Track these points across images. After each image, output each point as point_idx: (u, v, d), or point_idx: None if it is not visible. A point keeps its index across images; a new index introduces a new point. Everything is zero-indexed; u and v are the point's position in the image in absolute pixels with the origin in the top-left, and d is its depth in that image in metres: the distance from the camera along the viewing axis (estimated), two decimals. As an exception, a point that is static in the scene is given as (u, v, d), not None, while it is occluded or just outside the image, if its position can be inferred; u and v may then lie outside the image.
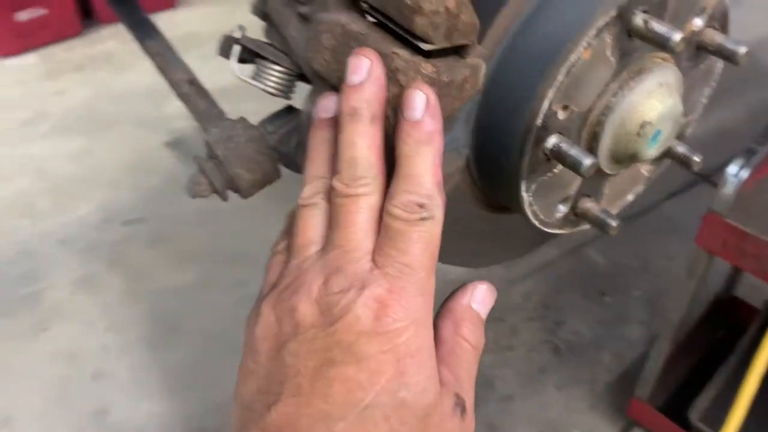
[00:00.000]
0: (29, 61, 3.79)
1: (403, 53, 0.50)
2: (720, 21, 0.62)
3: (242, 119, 0.79)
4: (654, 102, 0.58)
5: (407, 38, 0.50)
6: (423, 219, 0.48)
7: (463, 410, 0.50)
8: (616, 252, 2.98)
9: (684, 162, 0.67)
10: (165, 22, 4.48)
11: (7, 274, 2.77)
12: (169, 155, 3.26)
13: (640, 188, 0.72)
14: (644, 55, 0.59)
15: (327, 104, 0.54)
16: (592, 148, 0.60)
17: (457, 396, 0.50)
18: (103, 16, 3.87)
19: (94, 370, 2.47)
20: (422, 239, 0.48)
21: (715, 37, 0.61)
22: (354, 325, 0.45)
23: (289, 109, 0.77)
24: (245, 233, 2.80)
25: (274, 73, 0.69)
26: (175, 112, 3.37)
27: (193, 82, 0.84)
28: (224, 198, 0.80)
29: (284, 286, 0.49)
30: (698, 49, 0.63)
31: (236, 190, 0.79)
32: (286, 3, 0.62)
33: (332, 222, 0.50)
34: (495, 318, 2.70)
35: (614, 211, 0.70)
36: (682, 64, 0.63)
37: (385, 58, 0.51)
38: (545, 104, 0.55)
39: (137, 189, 3.13)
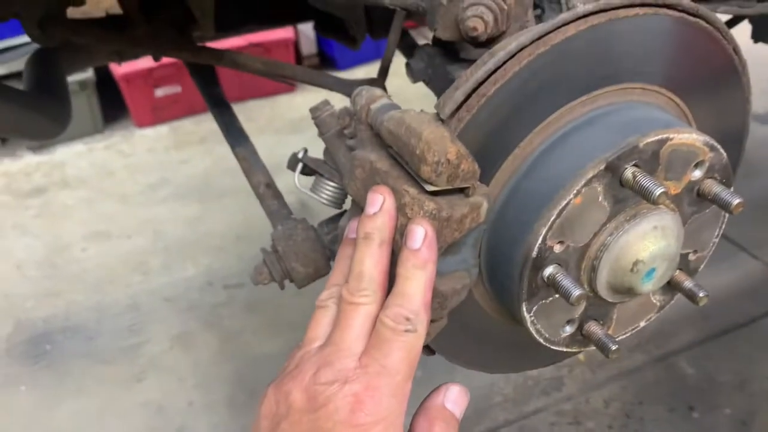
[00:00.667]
0: (161, 131, 4.20)
1: (412, 191, 0.60)
2: (720, 172, 0.68)
3: (303, 220, 0.92)
4: (646, 243, 0.65)
5: (416, 178, 0.60)
6: (407, 331, 0.57)
7: None
8: (709, 365, 2.85)
9: (690, 296, 0.72)
10: (284, 104, 4.81)
11: (115, 324, 3.01)
12: (272, 228, 3.48)
13: (652, 316, 0.77)
14: (640, 201, 0.66)
15: (353, 226, 0.65)
16: (590, 279, 0.67)
17: None
18: (229, 95, 4.23)
19: (179, 424, 2.62)
20: (404, 348, 0.57)
21: (713, 187, 0.67)
22: (333, 415, 0.54)
23: (342, 215, 0.89)
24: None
25: (328, 188, 0.81)
26: (283, 187, 3.61)
27: (269, 185, 0.98)
28: (282, 287, 0.92)
29: (287, 372, 0.59)
30: (699, 196, 0.69)
31: (292, 281, 0.91)
32: (338, 135, 0.75)
33: (335, 323, 0.60)
34: (571, 422, 2.64)
35: (624, 335, 0.76)
36: (684, 208, 0.69)
37: (397, 194, 0.61)
38: (539, 239, 0.63)
39: (241, 257, 3.35)
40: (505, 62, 0.61)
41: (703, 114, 0.73)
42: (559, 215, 0.62)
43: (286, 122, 4.32)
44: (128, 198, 3.72)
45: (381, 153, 0.66)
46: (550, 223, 0.62)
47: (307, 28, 4.29)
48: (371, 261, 0.60)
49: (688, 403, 2.79)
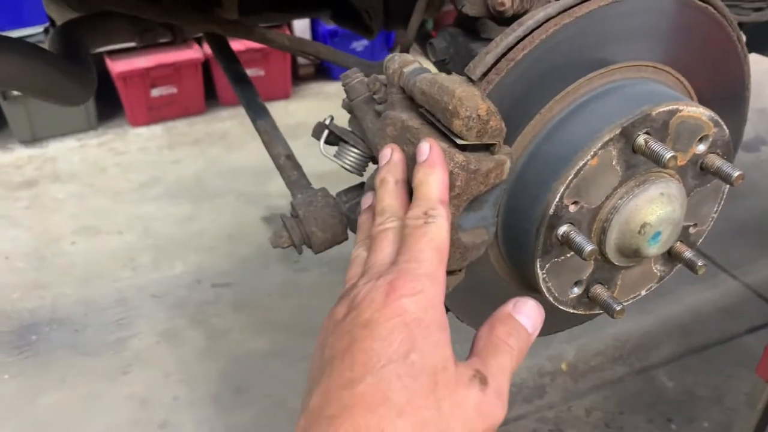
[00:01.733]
0: (155, 131, 4.22)
1: (443, 144, 0.65)
2: (723, 148, 0.74)
3: (323, 189, 0.96)
4: (654, 207, 0.70)
5: (447, 133, 0.65)
6: (427, 223, 0.61)
7: (484, 383, 0.55)
8: (688, 379, 2.92)
9: (689, 266, 0.77)
10: (279, 110, 4.86)
11: (102, 317, 3.01)
12: (264, 229, 3.51)
13: (652, 285, 0.83)
14: (650, 169, 0.71)
15: (368, 199, 0.71)
16: (600, 240, 0.72)
17: (478, 371, 0.56)
18: (224, 99, 4.28)
19: (162, 419, 2.62)
20: (426, 237, 0.60)
21: (715, 161, 0.72)
22: (370, 305, 0.56)
23: (361, 186, 0.93)
24: (322, 310, 2.94)
25: (352, 155, 0.86)
26: (275, 191, 3.64)
27: (290, 157, 1.02)
28: (299, 251, 0.96)
29: (341, 294, 0.62)
30: (702, 170, 0.74)
31: (310, 246, 0.95)
32: (366, 101, 0.79)
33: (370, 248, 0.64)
34: (552, 429, 2.68)
35: (626, 301, 0.81)
36: (688, 181, 0.75)
37: None
38: (557, 197, 0.68)
39: (230, 256, 3.37)
40: (533, 30, 0.66)
41: (707, 96, 0.79)
42: (576, 175, 0.67)
43: (280, 128, 4.37)
44: (119, 195, 3.72)
45: (412, 113, 0.71)
46: (567, 181, 0.67)
47: (303, 35, 4.35)
48: (390, 196, 0.65)
49: (667, 415, 2.85)
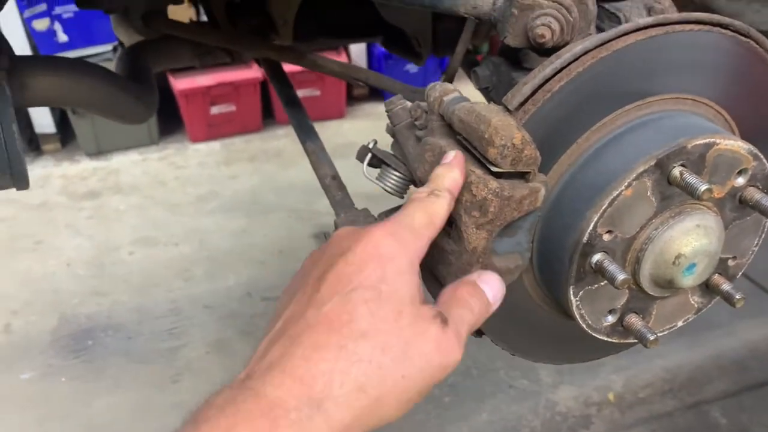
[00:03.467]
0: (213, 147, 4.36)
1: (478, 171, 0.67)
2: (763, 182, 0.74)
3: (365, 209, 0.99)
4: (689, 239, 0.70)
5: (482, 160, 0.67)
6: (429, 196, 0.64)
7: (444, 323, 0.58)
8: (743, 417, 2.82)
9: (727, 298, 0.77)
10: (332, 129, 4.95)
11: (155, 326, 3.10)
12: (312, 245, 3.57)
13: (690, 317, 0.82)
14: (686, 200, 0.72)
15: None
16: (635, 270, 0.73)
17: (440, 313, 0.59)
18: (280, 117, 4.39)
19: (209, 427, 2.68)
20: (422, 204, 0.64)
21: (755, 194, 0.72)
22: (349, 240, 0.60)
23: (400, 207, 0.95)
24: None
25: (393, 177, 0.88)
26: (324, 209, 3.71)
27: (335, 177, 1.06)
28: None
29: None
30: (741, 203, 0.74)
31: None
32: (408, 127, 0.82)
33: None
34: (598, 460, 2.63)
35: (662, 332, 0.81)
36: (726, 213, 0.75)
37: (466, 173, 0.68)
38: (591, 225, 0.69)
39: (281, 271, 3.43)
40: (570, 63, 0.68)
41: (748, 129, 0.79)
42: (610, 204, 0.68)
43: (332, 146, 4.42)
44: (177, 207, 3.84)
45: (450, 140, 0.73)
46: (601, 211, 0.68)
47: (359, 57, 4.44)
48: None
49: (718, 453, 2.76)
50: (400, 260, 0.59)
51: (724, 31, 0.72)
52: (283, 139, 4.41)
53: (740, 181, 0.73)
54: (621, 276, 0.68)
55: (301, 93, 4.16)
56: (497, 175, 0.67)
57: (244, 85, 4.13)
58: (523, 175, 0.68)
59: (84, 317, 3.20)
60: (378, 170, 0.91)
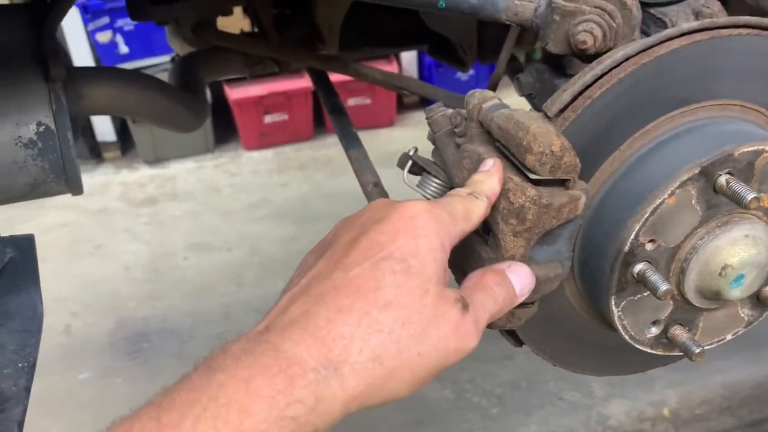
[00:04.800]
0: (266, 155, 4.43)
1: (516, 179, 0.67)
2: (816, 191, 0.71)
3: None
4: (737, 249, 0.68)
5: (521, 167, 0.67)
6: (468, 195, 0.65)
7: (465, 308, 0.58)
8: (806, 437, 2.71)
9: (779, 311, 0.74)
10: (382, 137, 4.95)
11: (208, 330, 3.16)
12: (362, 253, 3.58)
13: (739, 330, 0.79)
14: (733, 209, 0.69)
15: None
16: (679, 281, 0.71)
17: (462, 298, 0.58)
18: (331, 127, 4.42)
19: (258, 431, 2.71)
20: (461, 199, 0.64)
21: (807, 203, 0.70)
22: (387, 209, 0.60)
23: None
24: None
25: (433, 185, 0.88)
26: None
27: (377, 185, 1.06)
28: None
29: None
30: (793, 213, 0.71)
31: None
32: (448, 134, 0.82)
33: None
34: (658, 475, 2.56)
35: (709, 345, 0.78)
36: (777, 223, 0.72)
37: (504, 180, 0.68)
38: (632, 234, 0.67)
39: (329, 278, 3.45)
40: (611, 69, 0.67)
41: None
42: (652, 213, 0.67)
43: (381, 153, 4.45)
44: (231, 214, 3.92)
45: (489, 147, 0.73)
46: (643, 219, 0.67)
47: (410, 65, 4.45)
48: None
49: (778, 474, 2.65)
50: (433, 238, 0.58)
51: (773, 35, 0.70)
52: (333, 147, 4.45)
53: (792, 189, 0.71)
54: (664, 287, 0.66)
55: (352, 101, 4.22)
56: (536, 183, 0.66)
57: (296, 95, 4.18)
58: (562, 183, 0.67)
59: (140, 320, 3.29)
60: (419, 177, 0.92)
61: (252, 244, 3.69)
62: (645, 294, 0.72)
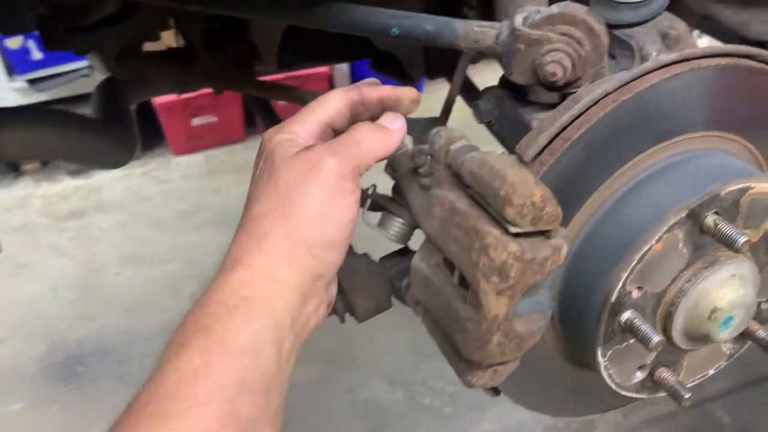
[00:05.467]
0: (196, 160, 4.26)
1: (495, 232, 0.61)
2: (796, 222, 0.68)
3: (365, 255, 0.92)
4: (726, 291, 0.65)
5: (499, 219, 0.61)
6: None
7: (310, 147, 0.64)
8: (746, 414, 2.79)
9: (764, 346, 0.71)
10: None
11: (147, 348, 3.02)
12: (304, 257, 3.49)
13: (721, 364, 0.77)
14: (719, 248, 0.66)
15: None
16: (665, 325, 0.67)
17: (310, 145, 0.64)
18: (262, 127, 4.31)
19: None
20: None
21: (791, 236, 0.67)
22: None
23: (405, 251, 0.89)
24: (364, 341, 2.91)
25: (396, 225, 0.82)
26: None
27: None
28: (342, 320, 0.93)
29: None
30: (775, 244, 0.69)
31: (353, 315, 0.91)
32: (410, 173, 0.76)
33: None
34: (604, 462, 2.60)
35: (692, 382, 0.75)
36: (760, 257, 0.69)
37: (479, 234, 0.62)
38: (620, 283, 0.63)
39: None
40: (588, 108, 0.62)
41: (778, 163, 0.74)
42: (640, 260, 0.62)
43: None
44: (163, 224, 3.76)
45: (459, 193, 0.67)
46: (631, 267, 0.62)
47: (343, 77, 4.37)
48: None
49: (723, 451, 2.72)
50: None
51: (751, 62, 0.66)
52: (268, 147, 4.33)
53: (774, 223, 0.68)
54: (655, 338, 0.62)
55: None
56: (516, 235, 0.61)
57: (225, 96, 4.03)
58: (543, 232, 0.62)
59: (73, 343, 3.12)
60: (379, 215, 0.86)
61: (188, 255, 3.55)
62: (631, 341, 0.68)
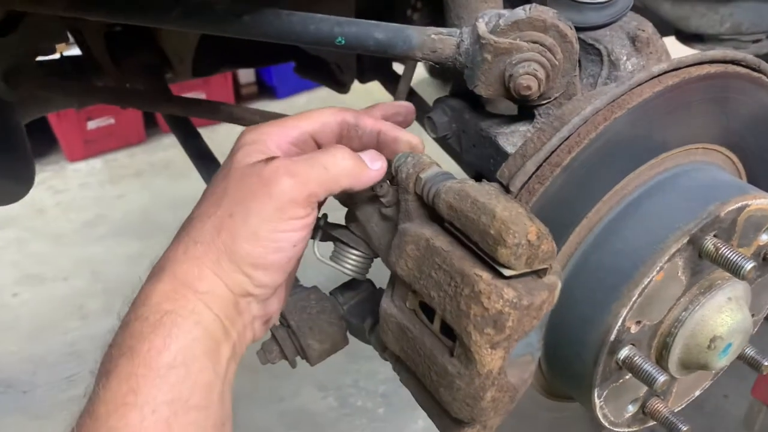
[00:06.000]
0: (94, 165, 3.98)
1: (486, 276, 0.53)
2: (786, 235, 0.64)
3: (315, 289, 0.83)
4: (724, 317, 0.60)
5: (487, 260, 0.53)
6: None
7: (270, 161, 0.59)
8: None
9: (753, 365, 0.68)
10: (221, 133, 4.66)
11: (53, 375, 2.80)
12: (219, 263, 3.33)
13: (707, 384, 0.73)
14: (714, 271, 0.61)
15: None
16: (661, 356, 0.62)
17: (271, 159, 0.59)
18: (165, 126, 4.07)
19: (129, 481, 2.45)
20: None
21: (782, 251, 0.63)
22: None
23: (356, 281, 0.80)
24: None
25: (352, 257, 0.73)
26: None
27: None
28: (293, 365, 0.83)
29: None
30: (765, 260, 0.65)
31: (305, 358, 0.82)
32: (369, 201, 0.67)
33: None
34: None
35: (680, 407, 0.71)
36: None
37: (467, 278, 0.54)
38: (619, 321, 0.57)
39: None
40: (578, 128, 0.55)
41: (759, 173, 0.70)
42: (640, 294, 0.56)
43: (222, 155, 4.19)
44: (62, 237, 3.49)
45: (434, 228, 0.59)
46: (631, 303, 0.56)
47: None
48: None
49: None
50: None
51: (738, 68, 0.61)
52: (171, 149, 4.10)
53: (764, 238, 0.63)
54: (661, 378, 0.56)
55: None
56: (507, 277, 0.53)
57: (122, 95, 3.79)
58: (536, 271, 0.55)
59: (-31, 375, 2.85)
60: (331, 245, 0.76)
61: (92, 269, 3.31)
62: (627, 377, 0.62)
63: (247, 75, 4.31)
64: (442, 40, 0.67)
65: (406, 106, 0.69)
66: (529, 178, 0.55)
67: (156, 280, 0.59)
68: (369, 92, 1.74)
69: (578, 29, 0.70)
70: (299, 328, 0.78)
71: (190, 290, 0.57)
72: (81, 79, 1.00)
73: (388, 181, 0.67)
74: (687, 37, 1.09)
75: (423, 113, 0.76)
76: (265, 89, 4.48)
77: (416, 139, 0.64)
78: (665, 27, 1.07)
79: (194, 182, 4.32)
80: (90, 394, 0.56)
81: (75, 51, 1.23)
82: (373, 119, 0.66)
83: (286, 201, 0.57)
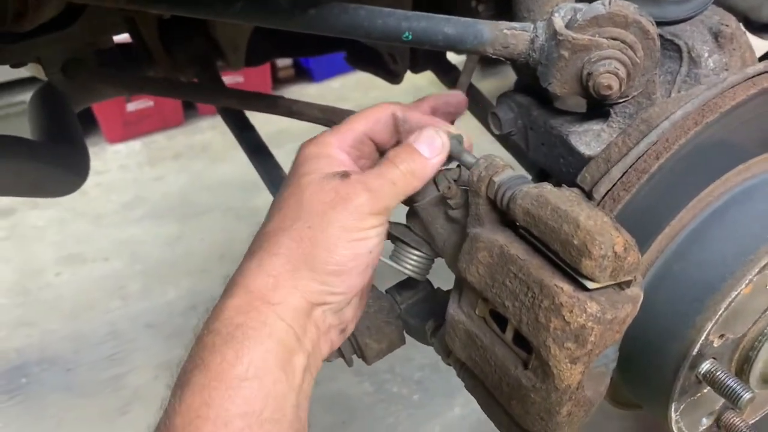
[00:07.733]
0: (134, 147, 4.02)
1: (568, 289, 0.51)
2: None
3: (373, 288, 0.82)
4: (813, 330, 0.57)
5: (568, 270, 0.51)
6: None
7: (345, 176, 0.60)
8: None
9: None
10: (259, 116, 4.68)
11: (95, 353, 2.85)
12: (256, 246, 3.35)
13: (781, 395, 0.70)
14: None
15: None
16: (742, 370, 0.59)
17: (345, 173, 0.61)
18: (203, 109, 4.08)
19: (168, 460, 2.48)
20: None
21: None
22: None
23: (413, 280, 0.78)
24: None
25: (413, 258, 0.71)
26: (263, 204, 3.49)
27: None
28: (350, 364, 0.82)
29: None
30: None
31: (362, 357, 0.81)
32: (434, 202, 0.65)
33: None
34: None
35: (754, 419, 0.68)
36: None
37: (547, 289, 0.52)
38: (703, 335, 0.54)
39: (224, 277, 3.20)
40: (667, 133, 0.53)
41: None
42: (727, 308, 0.54)
43: (262, 136, 4.19)
44: (102, 218, 3.54)
45: (507, 234, 0.57)
46: (717, 317, 0.54)
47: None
48: None
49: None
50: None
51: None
52: (209, 132, 4.12)
53: None
54: (746, 395, 0.54)
55: (225, 80, 3.87)
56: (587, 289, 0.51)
57: (161, 78, 3.81)
58: (619, 283, 0.53)
59: (14, 352, 2.92)
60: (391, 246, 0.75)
61: (131, 251, 3.35)
62: (705, 391, 0.60)
63: (284, 59, 4.30)
64: (515, 35, 0.64)
65: (456, 96, 0.71)
66: (614, 184, 0.53)
67: (229, 295, 0.60)
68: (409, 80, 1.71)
69: (657, 24, 0.67)
70: (357, 327, 0.77)
71: (263, 302, 0.57)
72: (133, 69, 0.99)
73: (454, 182, 0.65)
74: (758, 28, 1.04)
75: (475, 103, 0.74)
76: (302, 72, 4.46)
77: (461, 136, 0.65)
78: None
79: (232, 165, 4.34)
80: (166, 407, 0.57)
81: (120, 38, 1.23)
82: (419, 113, 0.67)
83: (366, 213, 0.59)
